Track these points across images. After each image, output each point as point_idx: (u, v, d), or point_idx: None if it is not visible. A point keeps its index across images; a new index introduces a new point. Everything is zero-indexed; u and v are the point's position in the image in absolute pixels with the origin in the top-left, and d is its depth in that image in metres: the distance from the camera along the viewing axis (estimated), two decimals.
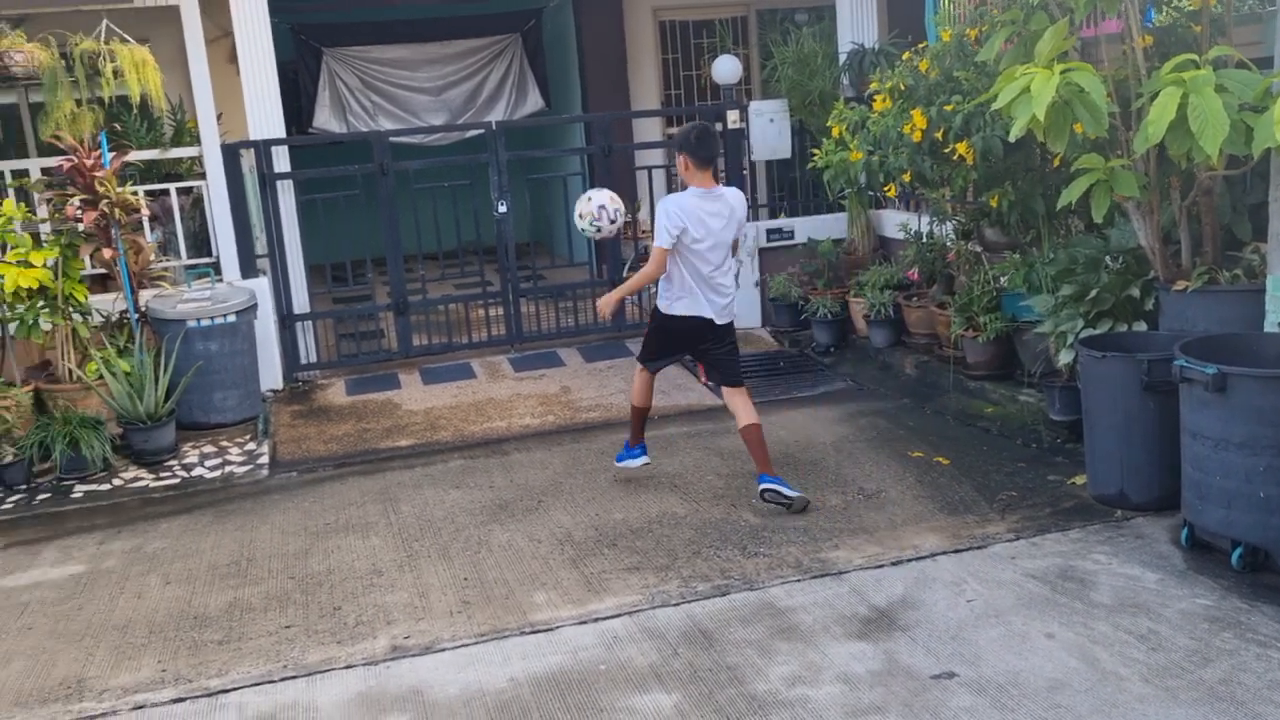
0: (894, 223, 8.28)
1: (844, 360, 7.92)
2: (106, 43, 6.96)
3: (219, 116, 7.83)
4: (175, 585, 4.91)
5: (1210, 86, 4.19)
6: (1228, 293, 4.85)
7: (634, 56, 11.36)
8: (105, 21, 7.08)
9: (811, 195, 9.07)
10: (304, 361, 8.14)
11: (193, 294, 7.27)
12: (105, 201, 6.81)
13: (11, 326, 6.67)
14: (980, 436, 6.11)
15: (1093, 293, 5.42)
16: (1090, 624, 3.93)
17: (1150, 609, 4.01)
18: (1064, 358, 5.59)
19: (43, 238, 7.02)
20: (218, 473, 6.47)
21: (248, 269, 7.81)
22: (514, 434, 6.78)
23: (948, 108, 6.12)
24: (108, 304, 7.17)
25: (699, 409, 6.91)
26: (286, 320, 8.03)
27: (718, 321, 5.33)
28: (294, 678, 4.00)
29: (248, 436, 7.06)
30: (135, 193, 7.20)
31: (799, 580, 4.46)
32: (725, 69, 9.09)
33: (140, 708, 3.88)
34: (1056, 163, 5.92)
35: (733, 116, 8.74)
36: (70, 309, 6.79)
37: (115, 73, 6.88)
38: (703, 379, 5.64)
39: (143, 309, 7.12)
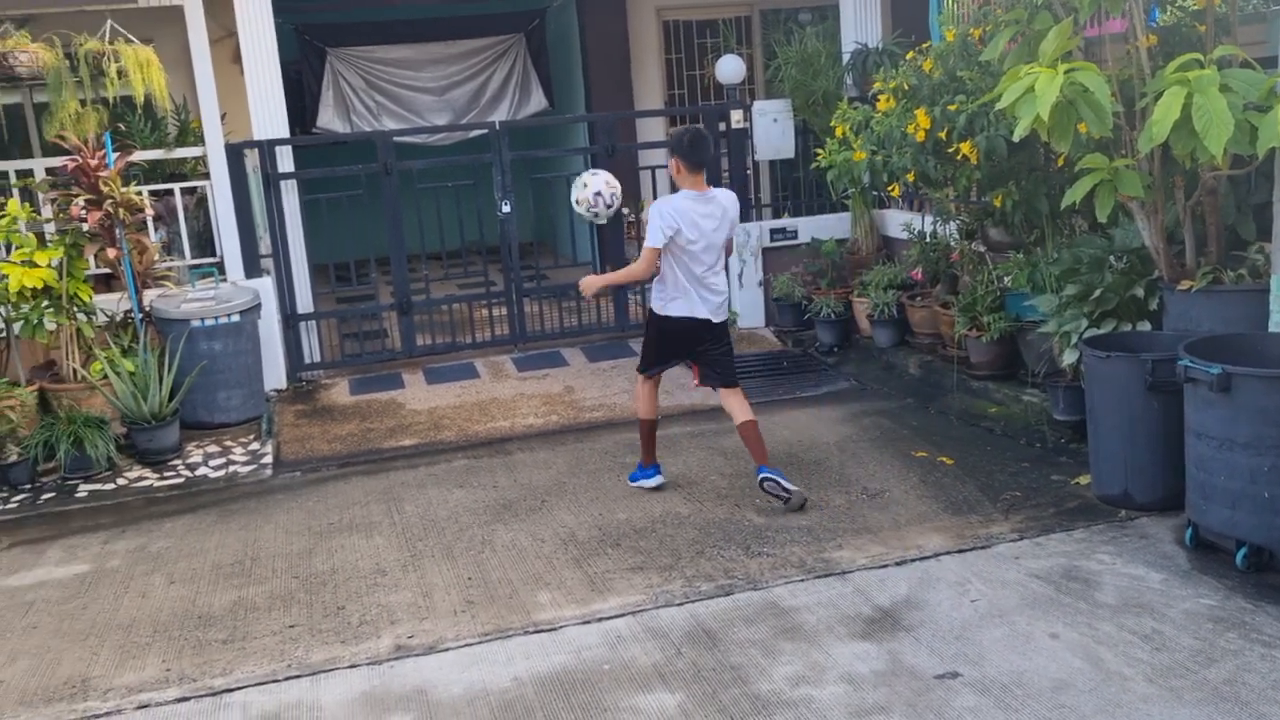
0: (898, 222, 8.28)
1: (847, 360, 7.92)
2: (111, 43, 6.98)
3: (223, 116, 7.84)
4: (179, 585, 4.92)
5: (1215, 86, 4.18)
6: (1232, 293, 4.84)
7: (637, 56, 11.37)
8: (110, 22, 7.09)
9: (815, 195, 9.06)
10: (308, 361, 8.15)
11: (197, 294, 7.28)
12: (110, 201, 6.82)
13: (16, 326, 6.68)
14: (984, 436, 6.11)
15: (1097, 293, 5.41)
16: (1094, 624, 3.93)
17: (1154, 609, 4.00)
18: (1068, 358, 5.58)
19: (47, 238, 7.03)
20: (222, 472, 6.48)
21: (252, 269, 7.82)
22: (517, 434, 6.78)
23: (951, 107, 6.12)
24: (112, 304, 7.17)
25: (702, 409, 6.91)
26: (290, 320, 8.04)
27: (714, 320, 5.37)
28: (298, 677, 4.01)
29: (252, 436, 7.07)
30: (139, 193, 7.22)
31: (803, 580, 4.46)
32: (729, 69, 9.09)
33: (145, 707, 3.89)
34: (1060, 162, 5.92)
35: (736, 116, 8.75)
36: (75, 309, 6.80)
37: (119, 73, 6.90)
38: (695, 383, 5.66)
39: (147, 309, 7.13)
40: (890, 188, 7.04)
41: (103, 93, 7.02)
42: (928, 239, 7.62)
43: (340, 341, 8.50)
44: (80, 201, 6.80)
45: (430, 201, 8.57)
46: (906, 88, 6.63)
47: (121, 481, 6.39)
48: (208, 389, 7.10)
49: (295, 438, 6.95)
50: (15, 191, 7.20)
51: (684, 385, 7.25)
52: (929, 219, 7.65)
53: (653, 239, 5.22)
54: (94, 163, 6.85)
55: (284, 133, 7.97)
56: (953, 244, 7.35)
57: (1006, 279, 6.54)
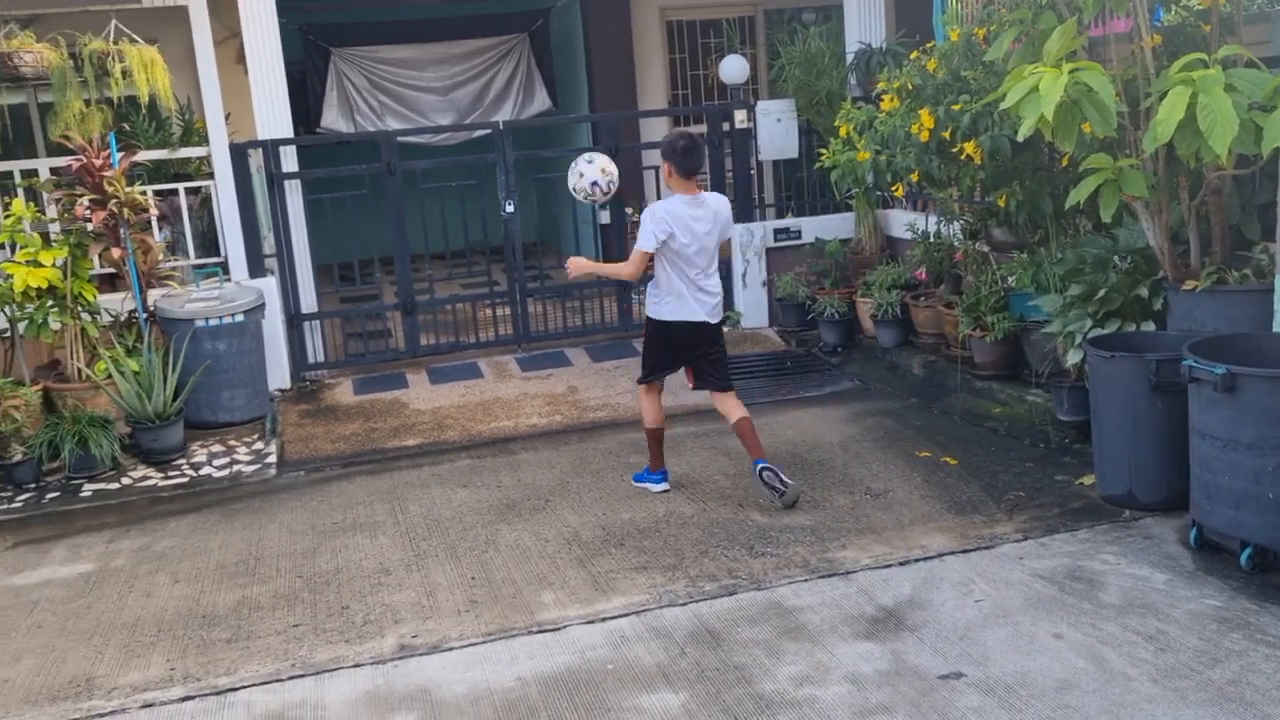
0: (901, 222, 8.27)
1: (851, 360, 7.91)
2: (115, 43, 6.99)
3: (227, 116, 7.85)
4: (184, 584, 4.93)
5: (1219, 86, 4.18)
6: (1236, 293, 4.84)
7: (641, 56, 11.36)
8: (114, 22, 7.10)
9: (819, 195, 9.06)
10: (311, 361, 8.15)
11: (201, 293, 7.29)
12: (114, 201, 6.83)
13: (21, 326, 6.69)
14: (988, 436, 6.10)
15: (1101, 293, 5.41)
16: (1098, 624, 3.92)
17: (1159, 609, 4.00)
18: (1072, 358, 5.58)
19: (52, 237, 7.04)
20: (226, 472, 6.49)
21: (255, 268, 7.83)
22: (521, 433, 6.78)
23: (955, 107, 6.12)
24: (116, 303, 7.18)
25: (706, 409, 6.88)
26: (294, 320, 8.05)
27: (711, 321, 5.41)
28: (302, 676, 4.01)
29: (255, 436, 7.08)
30: (144, 192, 7.22)
31: (806, 580, 4.46)
32: (732, 69, 9.09)
33: (149, 706, 3.89)
34: (1064, 162, 5.92)
35: (740, 116, 8.74)
36: (79, 308, 6.81)
37: (124, 73, 6.91)
38: (690, 386, 5.68)
39: (151, 308, 7.14)
40: (894, 188, 7.04)
41: (107, 93, 7.03)
42: (931, 239, 7.61)
43: (344, 341, 8.51)
44: (85, 201, 6.82)
45: (434, 201, 8.57)
46: (910, 87, 6.63)
47: (126, 481, 6.40)
48: (212, 388, 7.11)
49: (299, 437, 6.96)
50: (20, 191, 7.21)
51: (686, 385, 7.25)
52: (933, 219, 7.64)
53: (644, 242, 5.25)
54: (99, 163, 6.86)
55: (288, 133, 7.97)
56: (957, 244, 7.35)
57: (1010, 279, 6.53)
